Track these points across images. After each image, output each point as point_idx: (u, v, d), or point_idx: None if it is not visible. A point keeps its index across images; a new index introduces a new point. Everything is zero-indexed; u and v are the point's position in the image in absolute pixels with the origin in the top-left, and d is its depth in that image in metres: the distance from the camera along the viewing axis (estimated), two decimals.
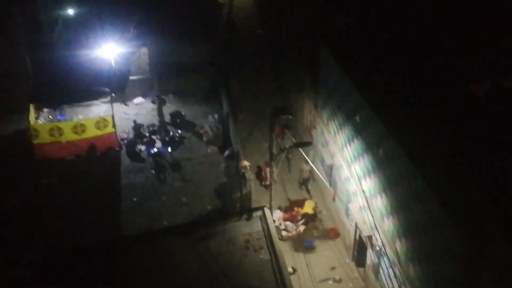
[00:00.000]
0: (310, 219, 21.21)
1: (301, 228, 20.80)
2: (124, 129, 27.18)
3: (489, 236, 11.04)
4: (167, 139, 26.23)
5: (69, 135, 24.74)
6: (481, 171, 12.92)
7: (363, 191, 17.55)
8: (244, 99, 29.72)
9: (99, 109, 28.58)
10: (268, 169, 22.44)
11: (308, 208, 21.39)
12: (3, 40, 27.06)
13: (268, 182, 22.46)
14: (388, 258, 15.71)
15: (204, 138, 26.76)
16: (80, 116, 28.01)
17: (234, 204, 21.33)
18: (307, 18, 25.28)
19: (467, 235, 11.19)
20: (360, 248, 18.87)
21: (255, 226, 16.55)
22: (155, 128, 27.18)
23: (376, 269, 17.30)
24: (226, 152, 25.40)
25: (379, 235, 16.21)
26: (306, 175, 23.10)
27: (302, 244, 20.35)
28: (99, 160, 25.21)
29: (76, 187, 23.19)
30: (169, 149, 25.60)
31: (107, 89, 25.59)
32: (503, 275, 10.37)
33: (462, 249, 11.39)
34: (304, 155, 21.93)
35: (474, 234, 11.15)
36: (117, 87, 26.14)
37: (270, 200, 19.01)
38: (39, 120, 27.33)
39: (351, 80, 18.07)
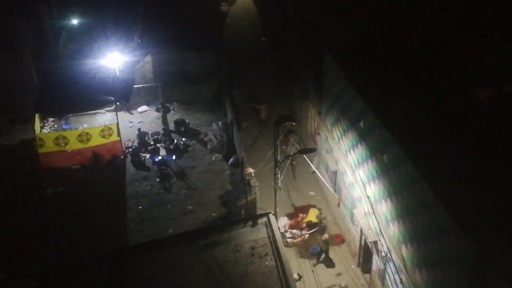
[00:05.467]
0: (320, 229, 21.17)
1: (306, 235, 20.79)
2: (129, 138, 27.32)
3: (496, 243, 11.01)
4: (171, 147, 26.30)
5: (74, 144, 24.84)
6: (487, 176, 12.90)
7: (368, 197, 17.55)
8: (248, 107, 29.83)
9: (104, 118, 28.75)
10: (262, 107, 28.41)
11: (311, 216, 21.37)
12: (9, 51, 27.26)
13: (262, 118, 28.23)
14: (394, 264, 15.68)
15: (209, 146, 26.84)
16: (85, 125, 28.21)
17: (239, 211, 21.34)
18: (311, 26, 25.41)
19: (474, 242, 11.16)
20: (365, 254, 18.85)
21: (261, 232, 16.53)
22: (160, 136, 27.28)
23: (382, 275, 17.26)
24: (231, 160, 25.47)
25: (385, 241, 16.19)
26: (323, 245, 20.06)
27: (308, 251, 20.34)
28: (104, 168, 25.30)
29: (82, 196, 23.26)
30: (174, 157, 25.69)
31: (111, 98, 25.69)
32: (511, 283, 10.33)
33: (469, 256, 11.36)
34: (309, 161, 21.97)
35: (481, 241, 11.11)
36: (122, 96, 26.22)
37: (275, 207, 19.06)
38: (44, 129, 27.51)
39: (355, 86, 18.13)
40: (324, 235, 20.14)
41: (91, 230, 21.12)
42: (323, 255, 19.97)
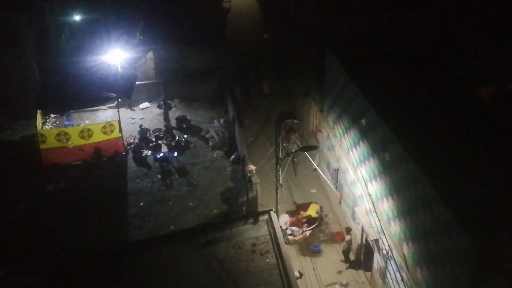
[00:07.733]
0: (318, 224, 21.12)
1: (307, 232, 20.78)
2: (131, 134, 27.32)
3: (497, 240, 11.00)
4: (173, 144, 26.30)
5: (76, 140, 24.87)
6: (488, 174, 12.88)
7: (369, 195, 17.52)
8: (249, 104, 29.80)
9: (106, 114, 28.77)
10: (265, 82, 30.65)
11: (311, 211, 21.38)
12: (11, 48, 27.26)
13: (266, 92, 30.39)
14: (395, 262, 15.67)
15: (210, 143, 26.84)
16: (86, 122, 28.23)
17: (240, 208, 21.34)
18: (313, 23, 25.36)
19: (475, 239, 11.15)
20: (367, 252, 18.83)
21: (262, 230, 16.52)
22: (161, 133, 27.27)
23: (383, 273, 17.25)
24: (232, 157, 25.46)
25: (386, 238, 16.17)
26: (346, 247, 19.87)
27: (309, 248, 20.33)
28: (106, 165, 25.32)
29: (83, 192, 23.29)
30: (175, 154, 25.69)
31: (113, 95, 25.71)
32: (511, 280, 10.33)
33: (470, 253, 11.35)
34: (310, 159, 21.95)
35: (482, 238, 11.11)
36: (124, 92, 26.24)
37: (276, 204, 19.02)
38: (46, 125, 27.52)
39: (357, 84, 18.09)
40: (347, 237, 19.75)
41: (92, 226, 21.14)
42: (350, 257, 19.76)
